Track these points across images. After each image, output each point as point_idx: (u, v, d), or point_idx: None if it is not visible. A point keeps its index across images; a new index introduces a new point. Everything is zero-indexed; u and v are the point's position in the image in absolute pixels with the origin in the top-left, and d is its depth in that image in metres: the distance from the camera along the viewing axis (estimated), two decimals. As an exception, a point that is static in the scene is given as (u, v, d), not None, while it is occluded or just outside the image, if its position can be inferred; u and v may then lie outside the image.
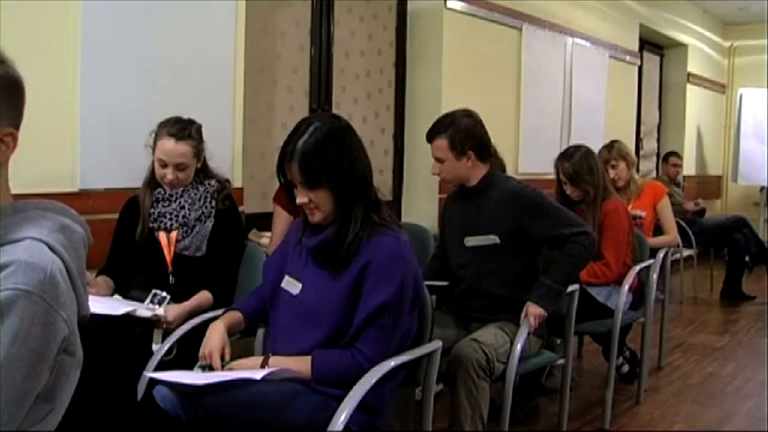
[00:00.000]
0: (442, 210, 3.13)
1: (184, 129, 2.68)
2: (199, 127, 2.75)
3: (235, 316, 2.17)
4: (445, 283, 2.97)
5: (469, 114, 2.86)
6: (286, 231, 3.32)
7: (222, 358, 2.01)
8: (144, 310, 2.46)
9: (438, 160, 2.85)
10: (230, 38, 3.44)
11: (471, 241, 2.86)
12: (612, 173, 4.32)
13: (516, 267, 2.83)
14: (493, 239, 2.80)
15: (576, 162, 3.56)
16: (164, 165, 2.67)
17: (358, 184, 1.98)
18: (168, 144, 2.65)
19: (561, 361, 3.05)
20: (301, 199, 1.98)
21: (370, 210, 2.00)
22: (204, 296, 2.63)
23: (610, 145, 4.42)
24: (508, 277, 2.82)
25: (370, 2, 4.64)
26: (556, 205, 2.88)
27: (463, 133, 2.80)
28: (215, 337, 2.04)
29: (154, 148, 2.69)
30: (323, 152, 1.93)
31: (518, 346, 2.64)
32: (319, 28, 4.30)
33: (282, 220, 3.37)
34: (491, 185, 2.86)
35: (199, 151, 2.73)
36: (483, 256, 2.83)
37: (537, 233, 2.78)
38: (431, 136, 2.85)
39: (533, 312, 2.70)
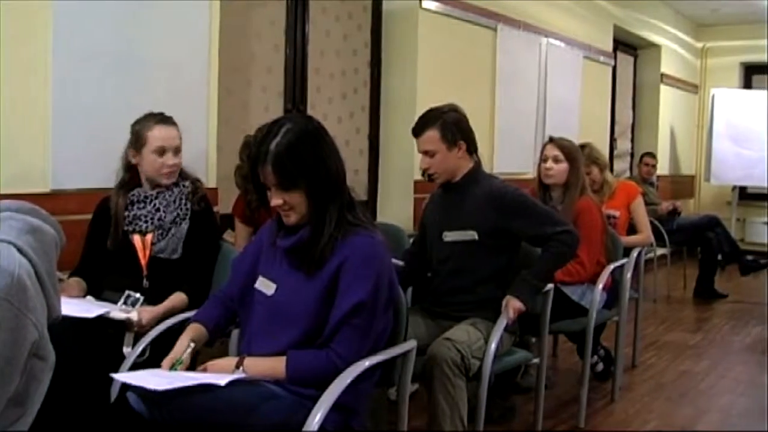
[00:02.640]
0: (424, 208, 3.14)
1: (167, 116, 2.74)
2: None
3: (199, 329, 2.13)
4: (400, 263, 2.98)
5: (455, 108, 2.89)
6: (248, 241, 3.37)
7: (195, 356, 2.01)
8: (117, 312, 2.44)
9: (427, 153, 2.84)
10: (204, 38, 3.43)
11: (449, 236, 2.87)
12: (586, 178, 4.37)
13: (493, 265, 2.85)
14: (471, 235, 2.82)
15: (570, 143, 3.69)
16: (163, 152, 2.69)
17: (332, 185, 1.99)
18: (162, 130, 2.69)
19: (536, 360, 3.07)
20: (275, 201, 1.97)
21: (344, 210, 2.00)
22: (178, 298, 2.62)
23: (581, 148, 4.47)
24: (484, 275, 2.84)
25: (345, 2, 4.65)
26: (538, 203, 2.92)
27: (454, 124, 2.83)
28: (184, 342, 2.05)
29: (140, 145, 2.69)
30: (296, 153, 1.93)
31: (493, 345, 2.65)
32: (294, 28, 4.30)
33: (242, 232, 3.43)
34: (475, 181, 2.87)
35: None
36: (460, 252, 2.85)
37: (520, 231, 2.82)
38: (420, 130, 2.84)
39: (513, 305, 2.73)
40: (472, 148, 2.89)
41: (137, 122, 2.74)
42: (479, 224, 2.81)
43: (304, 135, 1.96)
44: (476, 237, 2.81)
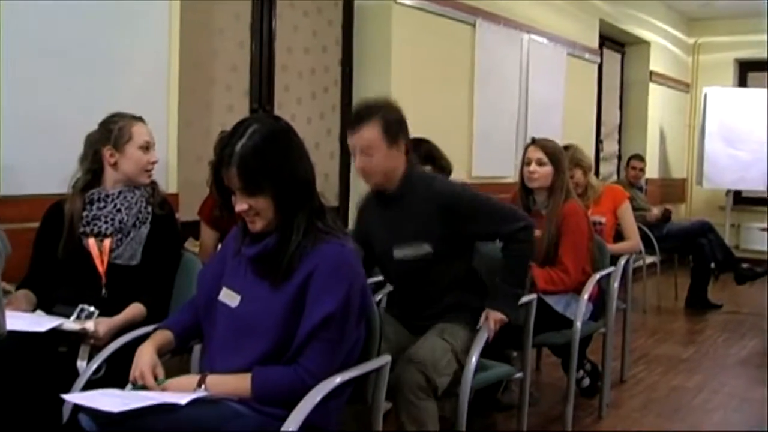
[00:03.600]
0: (357, 219, 3.05)
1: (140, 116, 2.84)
2: None
3: (164, 335, 2.15)
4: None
5: (392, 102, 2.79)
6: (214, 246, 3.38)
7: (156, 377, 2.00)
8: (71, 324, 2.43)
9: (364, 152, 2.68)
10: (164, 34, 3.43)
11: (400, 253, 2.80)
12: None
13: (453, 272, 2.83)
14: (424, 249, 2.76)
15: (554, 144, 3.72)
16: (148, 148, 2.78)
17: (301, 190, 2.00)
18: (144, 127, 2.80)
19: (519, 375, 3.09)
20: (240, 206, 1.98)
21: (313, 217, 2.01)
22: (136, 309, 2.62)
23: (564, 150, 4.51)
24: (446, 283, 2.83)
25: (315, -5, 4.67)
26: (487, 199, 2.86)
27: (396, 118, 2.71)
28: (145, 357, 2.03)
29: (123, 142, 2.72)
30: (263, 156, 1.94)
31: (473, 359, 2.67)
32: (260, 24, 4.31)
33: (208, 236, 3.43)
34: (412, 186, 2.78)
35: None
36: (416, 268, 2.80)
37: (474, 235, 2.84)
38: (357, 124, 2.67)
39: (494, 317, 2.76)
40: (408, 149, 2.79)
41: (114, 120, 2.75)
42: (430, 236, 2.75)
43: (271, 136, 1.97)
44: (430, 250, 2.76)
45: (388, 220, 2.83)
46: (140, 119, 2.81)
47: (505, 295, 2.80)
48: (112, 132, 2.73)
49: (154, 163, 2.81)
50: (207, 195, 3.46)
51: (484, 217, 2.79)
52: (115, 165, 2.74)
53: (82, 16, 3.10)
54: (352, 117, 2.77)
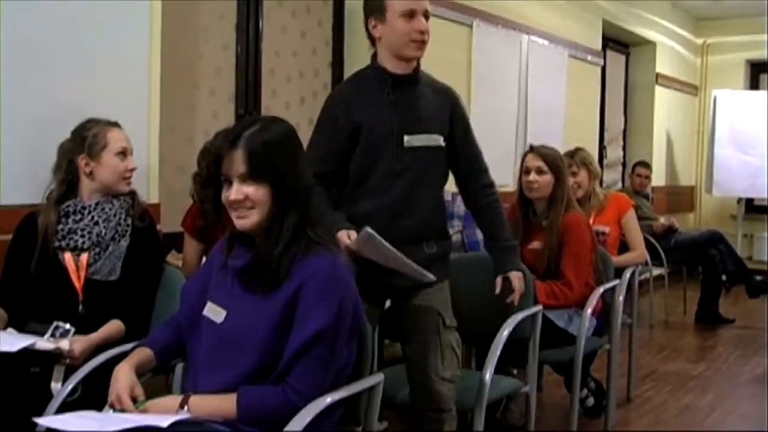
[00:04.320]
0: (338, 103, 2.78)
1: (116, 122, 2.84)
2: None
3: (144, 353, 2.14)
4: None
5: None
6: (198, 259, 3.37)
7: (134, 399, 1.99)
8: (44, 342, 2.42)
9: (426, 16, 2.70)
10: (144, 35, 3.43)
11: (413, 140, 2.72)
12: (571, 181, 4.42)
13: (445, 179, 2.89)
14: (436, 140, 2.77)
15: (553, 151, 3.75)
16: (125, 154, 2.79)
17: (300, 193, 2.01)
18: (120, 132, 2.81)
19: (525, 388, 3.09)
20: (236, 195, 1.97)
21: (305, 223, 2.01)
22: (114, 326, 2.62)
23: (574, 152, 4.53)
24: (440, 189, 2.86)
25: (304, -6, 4.68)
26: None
27: None
28: (122, 378, 2.02)
29: (98, 149, 2.72)
30: (273, 145, 1.98)
31: (487, 376, 2.71)
32: (246, 24, 4.32)
33: (192, 248, 3.42)
34: (424, 77, 2.83)
35: None
36: (425, 159, 2.75)
37: (452, 146, 2.83)
38: None
39: (517, 276, 2.89)
40: None
41: (87, 127, 2.75)
42: (443, 128, 2.79)
43: (281, 131, 2.03)
44: (442, 143, 2.79)
45: (403, 102, 2.75)
46: (116, 124, 2.81)
47: (511, 253, 2.92)
48: (86, 140, 2.73)
49: (132, 170, 2.81)
50: (191, 205, 3.46)
51: (471, 140, 2.88)
52: (90, 174, 2.74)
53: (55, 15, 3.09)
54: None
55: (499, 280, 2.88)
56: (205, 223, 3.33)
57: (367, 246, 2.47)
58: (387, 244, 2.47)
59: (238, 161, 1.95)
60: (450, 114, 2.80)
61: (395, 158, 2.71)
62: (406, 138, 2.71)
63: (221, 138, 2.06)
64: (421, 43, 2.68)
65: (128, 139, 2.83)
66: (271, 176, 1.96)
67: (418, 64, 2.78)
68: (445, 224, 2.90)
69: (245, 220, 1.99)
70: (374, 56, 2.80)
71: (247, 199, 1.97)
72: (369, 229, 2.42)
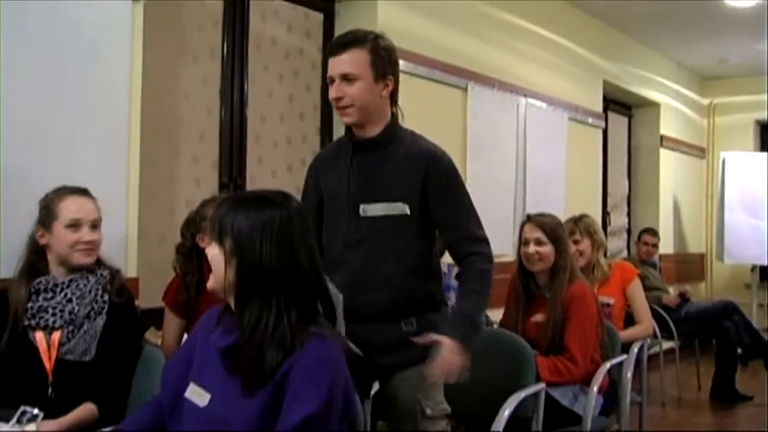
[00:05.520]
0: (310, 171, 2.92)
1: (82, 188, 2.81)
2: None
3: None
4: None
5: (388, 37, 2.77)
6: (179, 336, 3.37)
7: None
8: (9, 429, 2.41)
9: (346, 78, 2.63)
10: (123, 99, 3.44)
11: (370, 209, 2.69)
12: (573, 248, 4.46)
13: (422, 249, 2.75)
14: (401, 208, 2.68)
15: (552, 219, 3.77)
16: (78, 226, 2.73)
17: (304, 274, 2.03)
18: (78, 200, 2.77)
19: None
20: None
21: (306, 315, 2.02)
22: (86, 409, 2.59)
23: (578, 218, 4.58)
24: (412, 260, 2.72)
25: (291, 58, 4.76)
26: (468, 197, 2.80)
27: (388, 52, 2.69)
28: None
29: (50, 220, 2.73)
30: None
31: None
32: (231, 88, 4.37)
33: (173, 325, 3.41)
34: (395, 139, 2.75)
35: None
36: (385, 229, 2.69)
37: (435, 214, 2.72)
38: (344, 46, 2.64)
39: (450, 344, 2.55)
40: (395, 97, 2.76)
41: (46, 195, 2.78)
42: (409, 194, 2.68)
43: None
44: (407, 211, 2.68)
45: (361, 169, 2.73)
46: (78, 192, 2.79)
47: (463, 323, 2.64)
48: (41, 210, 2.77)
49: (89, 242, 2.76)
50: (173, 278, 3.47)
51: (456, 205, 2.73)
52: (48, 246, 2.76)
53: (32, 75, 3.13)
54: (337, 40, 2.74)
55: (428, 337, 2.60)
56: (187, 297, 3.33)
57: None
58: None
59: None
60: (423, 178, 2.68)
61: (351, 229, 2.72)
62: (362, 207, 2.69)
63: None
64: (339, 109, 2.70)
65: (94, 208, 2.81)
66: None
67: (392, 126, 2.75)
68: (433, 298, 2.78)
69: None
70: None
71: None
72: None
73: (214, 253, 2.02)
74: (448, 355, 2.55)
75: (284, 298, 1.99)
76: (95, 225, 2.79)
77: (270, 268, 1.99)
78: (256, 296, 1.98)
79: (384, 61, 2.67)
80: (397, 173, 2.70)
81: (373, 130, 2.72)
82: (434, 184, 2.69)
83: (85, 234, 2.75)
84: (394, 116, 2.78)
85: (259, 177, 4.51)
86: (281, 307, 1.97)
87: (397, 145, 2.73)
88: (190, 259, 3.34)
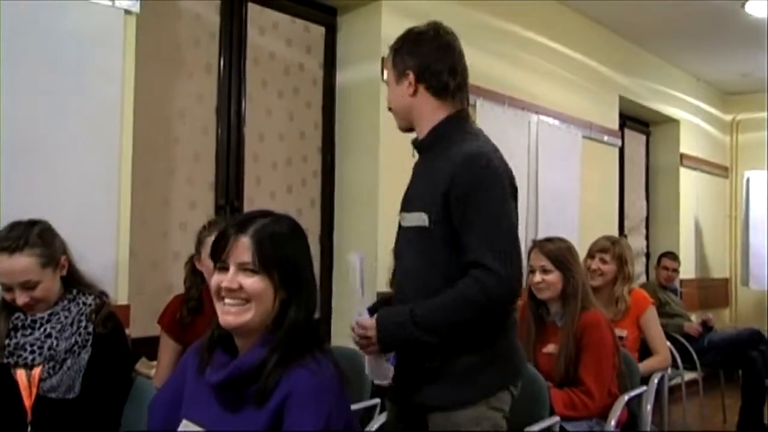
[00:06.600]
0: None
1: (18, 238, 2.63)
2: (45, 228, 2.72)
3: None
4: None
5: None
6: (175, 363, 3.35)
7: None
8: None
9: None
10: (115, 118, 3.45)
11: (404, 219, 2.65)
12: (595, 265, 4.46)
13: (443, 270, 2.50)
14: (422, 219, 2.52)
15: (558, 245, 3.75)
16: (8, 288, 2.65)
17: (305, 296, 2.09)
18: (4, 261, 2.61)
19: None
20: (230, 283, 2.00)
21: (306, 336, 2.05)
22: (70, 452, 2.58)
23: (617, 240, 4.60)
24: (434, 285, 2.48)
25: (291, 74, 4.77)
26: (495, 217, 2.49)
27: (411, 44, 2.66)
28: None
29: None
30: (283, 238, 2.06)
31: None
32: (227, 106, 4.39)
33: (169, 349, 3.39)
34: (444, 139, 2.60)
35: (51, 259, 2.69)
36: (413, 244, 2.59)
37: (455, 230, 2.48)
38: None
39: (370, 321, 2.49)
40: (439, 89, 2.63)
41: None
42: (428, 203, 2.52)
43: (293, 228, 2.12)
44: (425, 223, 2.51)
45: (413, 174, 2.74)
46: (9, 249, 2.61)
47: (401, 326, 2.44)
48: None
49: (23, 304, 2.65)
50: (172, 298, 3.45)
51: (468, 225, 2.45)
52: None
53: (19, 93, 3.14)
54: None
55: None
56: (187, 313, 3.31)
57: None
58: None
59: (243, 247, 2.01)
60: (447, 187, 2.47)
61: (397, 239, 2.72)
62: (401, 215, 2.68)
63: (229, 221, 2.11)
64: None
65: (17, 271, 2.62)
66: (274, 271, 2.01)
67: (440, 126, 2.62)
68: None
69: (233, 317, 2.01)
70: None
71: (241, 290, 1.99)
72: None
73: (259, 286, 2.01)
74: (369, 325, 2.50)
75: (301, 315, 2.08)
76: (28, 286, 2.64)
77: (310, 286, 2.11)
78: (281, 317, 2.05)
79: (402, 55, 2.67)
80: (426, 179, 2.58)
81: (422, 133, 2.69)
82: (455, 195, 2.45)
83: (18, 296, 2.64)
84: (450, 115, 2.65)
85: (257, 199, 4.51)
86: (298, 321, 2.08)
87: (442, 148, 2.57)
88: (194, 273, 3.34)
